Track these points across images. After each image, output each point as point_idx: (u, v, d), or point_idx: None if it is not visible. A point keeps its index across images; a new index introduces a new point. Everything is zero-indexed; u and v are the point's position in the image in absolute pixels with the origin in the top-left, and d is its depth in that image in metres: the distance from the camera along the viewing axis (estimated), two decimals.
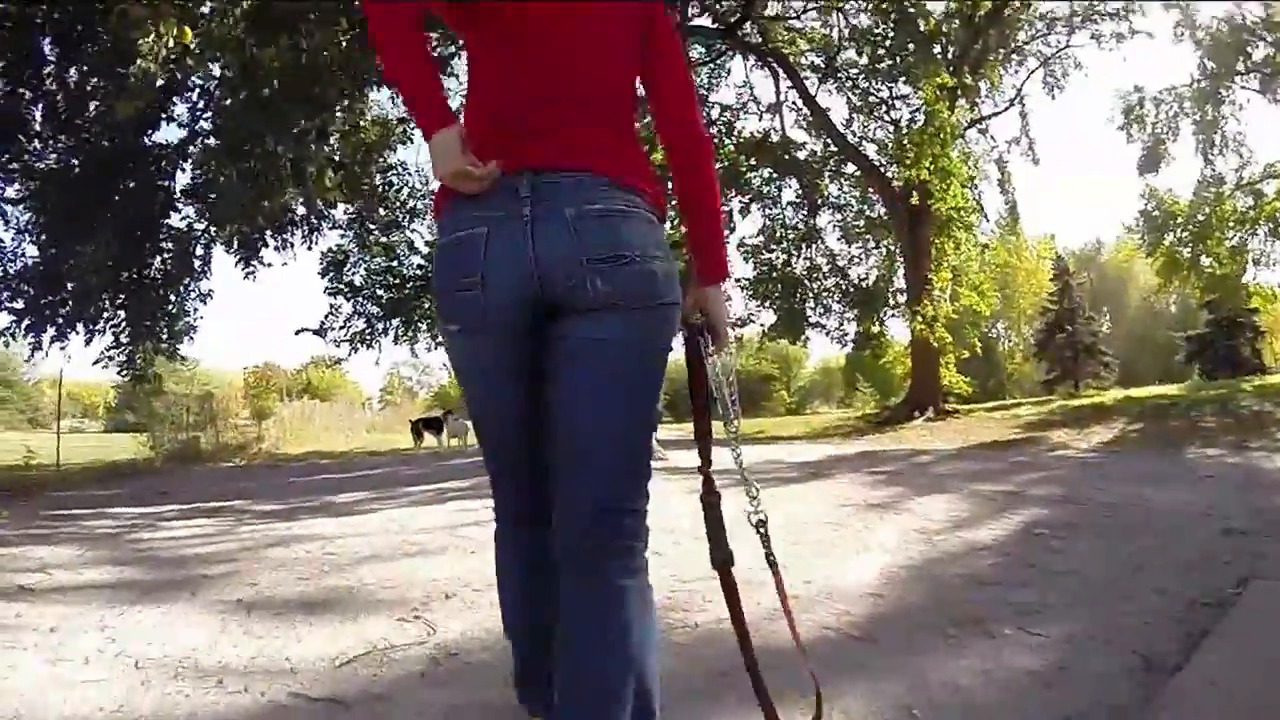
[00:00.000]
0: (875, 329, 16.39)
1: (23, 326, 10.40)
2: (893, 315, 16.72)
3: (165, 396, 14.93)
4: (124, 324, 11.41)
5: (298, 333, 14.88)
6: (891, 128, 15.40)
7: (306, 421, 21.18)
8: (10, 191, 10.43)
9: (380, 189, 13.71)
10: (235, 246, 12.09)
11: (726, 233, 15.84)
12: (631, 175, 1.32)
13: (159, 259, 11.56)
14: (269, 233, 12.46)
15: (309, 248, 13.36)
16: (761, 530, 1.48)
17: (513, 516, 1.49)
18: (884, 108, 15.54)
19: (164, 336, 11.98)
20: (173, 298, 12.03)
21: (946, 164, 13.09)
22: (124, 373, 11.76)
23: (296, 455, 14.49)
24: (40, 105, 9.74)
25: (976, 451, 9.28)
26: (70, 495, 7.86)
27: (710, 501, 1.44)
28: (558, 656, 1.29)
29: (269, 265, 12.85)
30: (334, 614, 2.81)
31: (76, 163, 10.15)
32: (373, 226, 14.43)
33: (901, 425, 13.86)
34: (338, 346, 15.08)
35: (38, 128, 9.91)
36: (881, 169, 15.37)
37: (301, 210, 12.66)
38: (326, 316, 14.96)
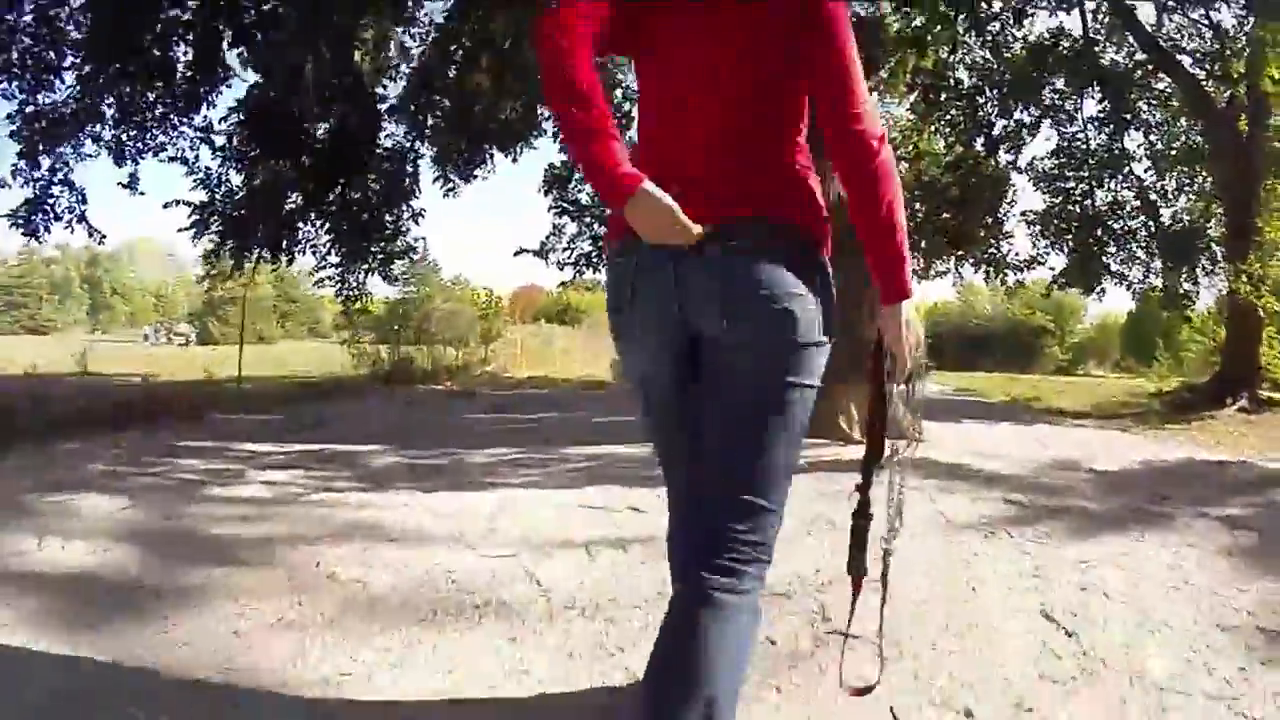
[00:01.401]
0: (1188, 285, 12.51)
1: (226, 249, 10.18)
2: (1210, 270, 12.60)
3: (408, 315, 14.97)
4: (333, 246, 10.98)
5: (516, 254, 13.66)
6: (1210, 32, 11.19)
7: (544, 345, 21.14)
8: (214, 117, 10.16)
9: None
10: (458, 160, 11.34)
11: (1007, 158, 12.54)
12: (779, 206, 1.34)
13: (368, 179, 10.92)
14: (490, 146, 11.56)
15: (514, 160, 12.08)
16: (886, 560, 1.56)
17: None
18: (1201, 6, 11.20)
19: (378, 258, 11.42)
20: (387, 219, 11.39)
21: None
22: (339, 296, 11.47)
23: (518, 381, 14.00)
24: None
25: None
26: (203, 422, 7.26)
27: (860, 525, 1.51)
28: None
29: (485, 178, 11.96)
30: None
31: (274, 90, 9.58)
32: None
33: (1208, 414, 10.23)
34: (560, 269, 13.71)
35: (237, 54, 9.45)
36: (1202, 83, 11.26)
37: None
38: (549, 237, 13.62)
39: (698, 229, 1.24)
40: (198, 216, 10.12)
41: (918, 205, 12.65)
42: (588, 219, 13.50)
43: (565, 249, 13.45)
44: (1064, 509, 4.04)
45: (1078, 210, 12.67)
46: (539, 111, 11.05)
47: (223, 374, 11.89)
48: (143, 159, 10.24)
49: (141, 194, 10.32)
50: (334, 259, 11.03)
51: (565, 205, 13.45)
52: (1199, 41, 11.41)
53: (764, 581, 1.36)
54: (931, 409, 11.12)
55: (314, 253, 11.00)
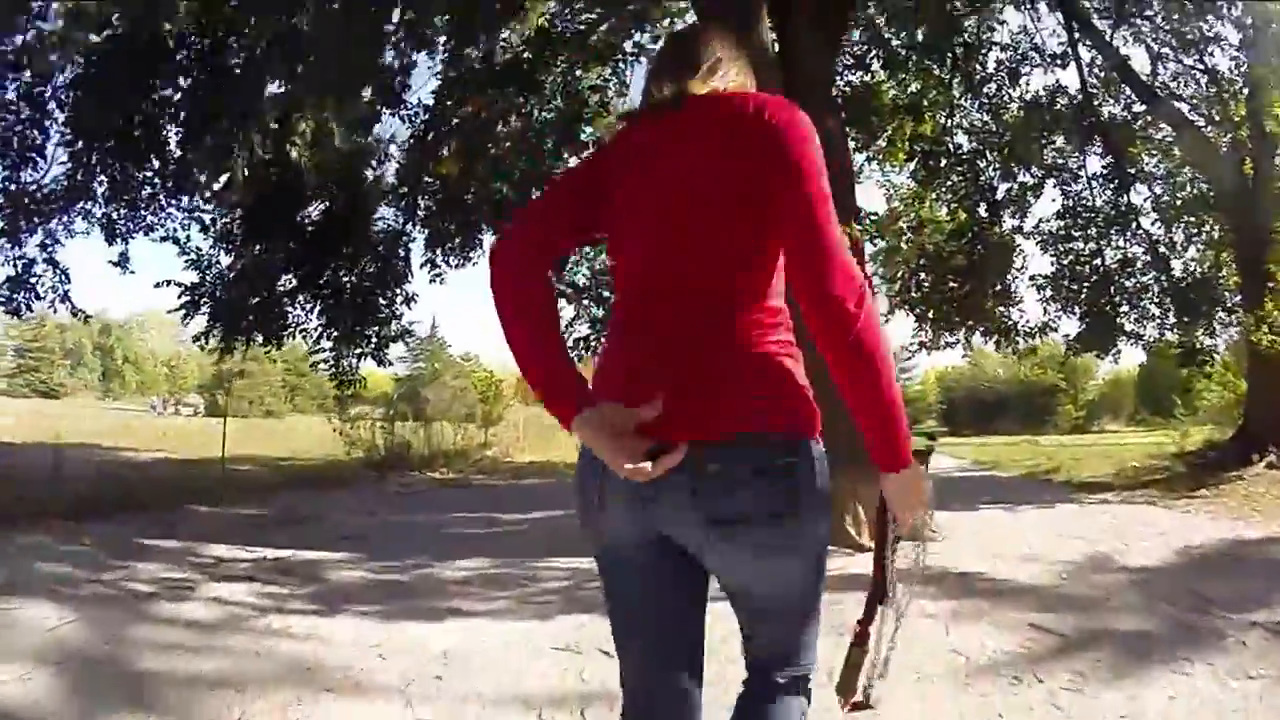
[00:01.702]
0: (1206, 339, 12.05)
1: (215, 332, 9.94)
2: (1227, 323, 12.13)
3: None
4: (325, 329, 10.70)
5: None
6: (1205, 77, 11.06)
7: (549, 426, 20.63)
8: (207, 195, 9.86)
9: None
10: (452, 243, 11.03)
11: (1012, 222, 12.20)
12: (760, 416, 1.20)
13: (360, 263, 10.72)
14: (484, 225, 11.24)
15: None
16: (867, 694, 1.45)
17: None
18: (1195, 51, 11.05)
19: (372, 341, 11.06)
20: (381, 302, 11.08)
21: None
22: (333, 379, 11.20)
23: (517, 467, 13.57)
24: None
25: None
26: (178, 513, 7.00)
27: (856, 651, 1.43)
28: None
29: (476, 263, 11.55)
30: None
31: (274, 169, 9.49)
32: None
33: (1235, 473, 9.64)
34: None
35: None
36: (1202, 129, 11.07)
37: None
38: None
39: (648, 467, 1.12)
40: (188, 298, 9.93)
41: (923, 275, 12.35)
42: (585, 300, 13.00)
43: (563, 331, 12.89)
44: (1099, 634, 3.53)
45: (1087, 270, 12.23)
46: (531, 192, 10.90)
47: (222, 452, 11.55)
48: (133, 238, 10.16)
49: (132, 273, 10.21)
50: (326, 343, 10.73)
51: (561, 287, 13.07)
52: (1196, 87, 11.21)
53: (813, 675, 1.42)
54: (948, 490, 10.69)
55: (304, 337, 10.72)
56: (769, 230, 1.20)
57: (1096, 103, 11.14)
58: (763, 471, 1.18)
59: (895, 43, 10.32)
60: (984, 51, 10.93)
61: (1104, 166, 11.93)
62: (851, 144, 11.28)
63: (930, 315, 12.72)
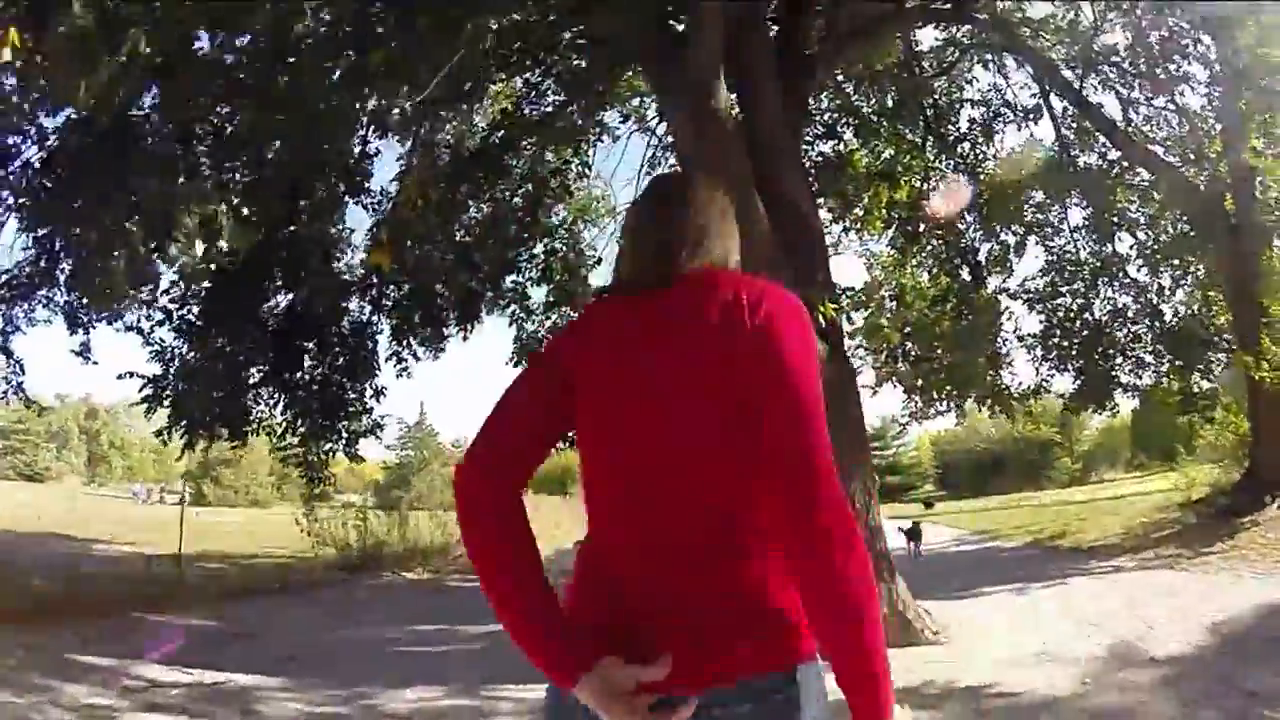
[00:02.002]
0: (1204, 383, 11.75)
1: (179, 427, 9.46)
2: (1225, 364, 11.80)
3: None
4: (291, 426, 10.24)
5: None
6: (1178, 118, 10.89)
7: (534, 514, 19.81)
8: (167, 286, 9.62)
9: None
10: (421, 334, 10.74)
11: (997, 280, 11.79)
12: (760, 655, 1.07)
13: (327, 355, 10.36)
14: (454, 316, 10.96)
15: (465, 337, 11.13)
16: None
17: None
18: (1165, 92, 10.97)
19: (343, 436, 10.57)
20: (350, 395, 10.63)
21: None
22: (302, 474, 10.71)
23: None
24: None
25: None
26: (124, 621, 6.58)
27: None
28: None
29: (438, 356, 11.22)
30: None
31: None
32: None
33: (1249, 519, 9.17)
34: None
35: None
36: (1179, 169, 10.81)
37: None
38: None
39: None
40: (150, 390, 9.53)
41: (909, 345, 12.03)
42: None
43: None
44: None
45: (1077, 324, 11.89)
46: (501, 284, 10.68)
47: (204, 545, 11.00)
48: (94, 327, 9.73)
49: (95, 363, 9.71)
50: (293, 437, 10.27)
51: None
52: (1169, 129, 11.00)
53: None
54: (950, 569, 10.08)
55: (269, 434, 10.26)
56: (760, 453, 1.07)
57: (1073, 153, 10.96)
58: (763, 707, 1.06)
59: (865, 109, 10.21)
60: (956, 110, 10.83)
61: (1085, 218, 11.70)
62: (827, 214, 11.21)
63: (919, 385, 12.34)
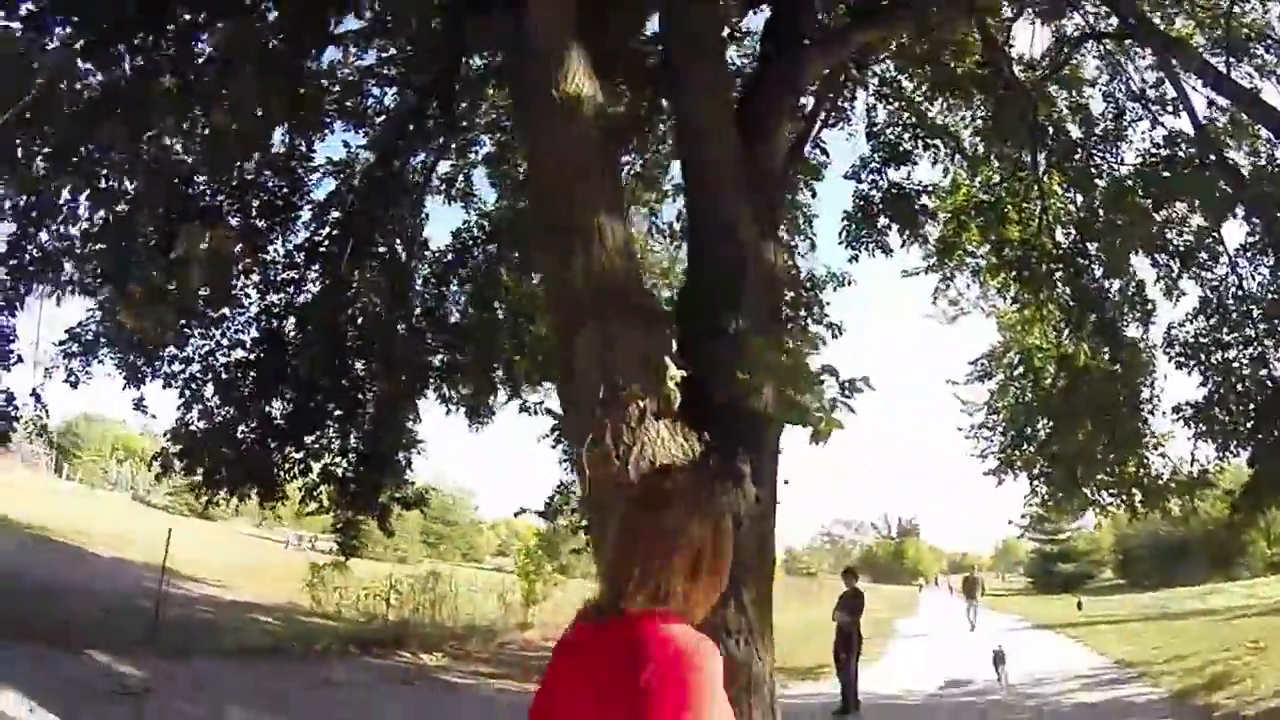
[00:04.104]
0: None
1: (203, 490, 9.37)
2: None
3: None
4: (331, 497, 9.78)
5: (517, 514, 11.19)
6: None
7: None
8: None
9: None
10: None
11: (1134, 330, 8.71)
12: None
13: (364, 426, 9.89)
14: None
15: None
16: None
17: None
18: None
19: (383, 508, 10.04)
20: (395, 465, 10.14)
21: None
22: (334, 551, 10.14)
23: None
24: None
25: None
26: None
27: None
28: None
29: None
30: None
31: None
32: None
33: None
34: (573, 533, 11.05)
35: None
36: None
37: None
38: (554, 497, 10.86)
39: None
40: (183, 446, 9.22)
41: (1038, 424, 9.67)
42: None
43: (574, 510, 10.43)
44: None
45: (1248, 385, 8.40)
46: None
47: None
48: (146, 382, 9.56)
49: (154, 417, 10.10)
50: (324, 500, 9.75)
51: (572, 459, 11.23)
52: None
53: None
54: None
55: (307, 493, 9.74)
56: None
57: (1225, 154, 7.55)
58: None
59: (945, 121, 8.28)
60: (1069, 118, 8.47)
61: (1250, 235, 8.25)
62: (922, 259, 9.22)
63: (1047, 474, 9.82)
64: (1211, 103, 7.75)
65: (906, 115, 8.13)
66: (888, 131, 8.16)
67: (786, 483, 10.94)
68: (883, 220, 7.94)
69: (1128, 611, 22.12)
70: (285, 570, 19.24)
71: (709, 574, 1.47)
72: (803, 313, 8.48)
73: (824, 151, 8.22)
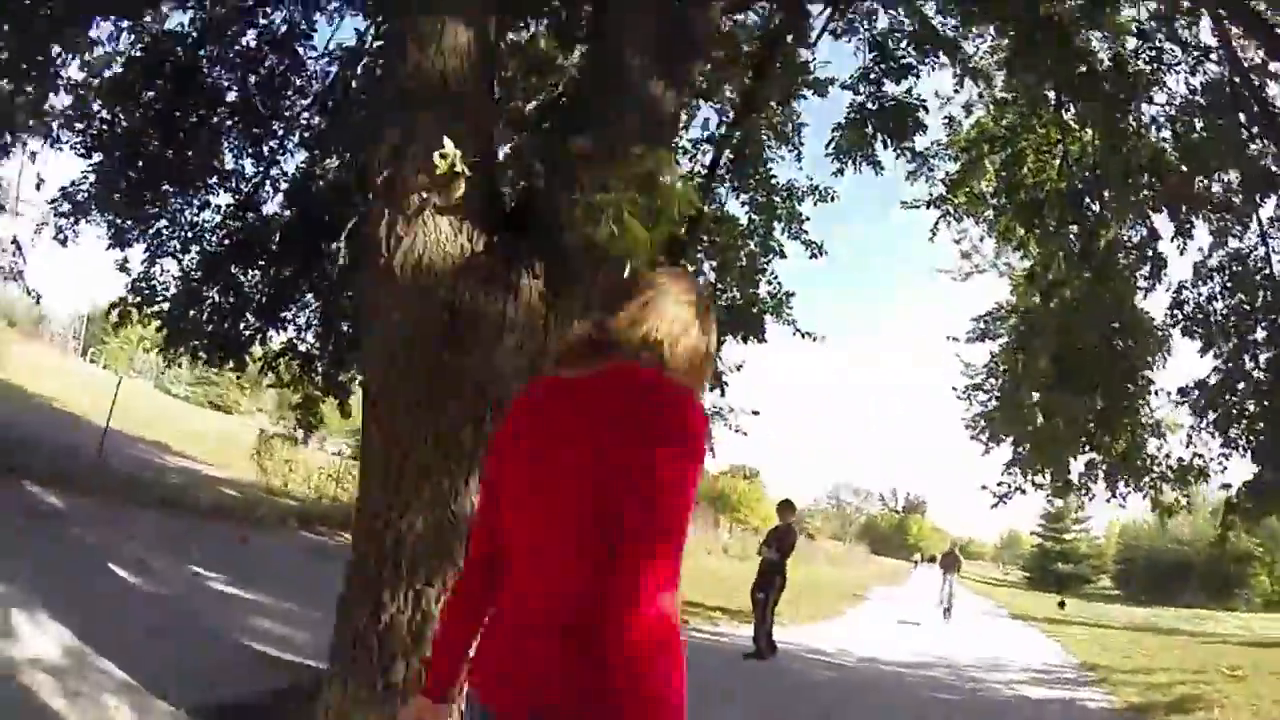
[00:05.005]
0: None
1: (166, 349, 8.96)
2: None
3: None
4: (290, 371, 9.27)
5: None
6: None
7: None
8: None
9: None
10: None
11: (1146, 282, 7.81)
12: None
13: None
14: None
15: None
16: None
17: None
18: None
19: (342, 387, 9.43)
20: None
21: None
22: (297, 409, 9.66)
23: None
24: None
25: None
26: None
27: None
28: None
29: None
30: None
31: None
32: None
33: None
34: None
35: None
36: None
37: None
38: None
39: None
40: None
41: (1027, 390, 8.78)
42: None
43: None
44: None
45: (1262, 366, 7.38)
46: None
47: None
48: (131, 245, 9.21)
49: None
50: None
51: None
52: None
53: None
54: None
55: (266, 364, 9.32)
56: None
57: (1255, 109, 6.65)
58: None
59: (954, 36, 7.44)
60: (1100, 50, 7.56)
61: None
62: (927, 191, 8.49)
63: (1029, 444, 8.99)
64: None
65: (909, 23, 7.24)
66: (889, 40, 7.32)
67: (756, 413, 10.19)
68: (869, 129, 7.17)
69: (1112, 619, 21.34)
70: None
71: (696, 353, 1.38)
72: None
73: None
